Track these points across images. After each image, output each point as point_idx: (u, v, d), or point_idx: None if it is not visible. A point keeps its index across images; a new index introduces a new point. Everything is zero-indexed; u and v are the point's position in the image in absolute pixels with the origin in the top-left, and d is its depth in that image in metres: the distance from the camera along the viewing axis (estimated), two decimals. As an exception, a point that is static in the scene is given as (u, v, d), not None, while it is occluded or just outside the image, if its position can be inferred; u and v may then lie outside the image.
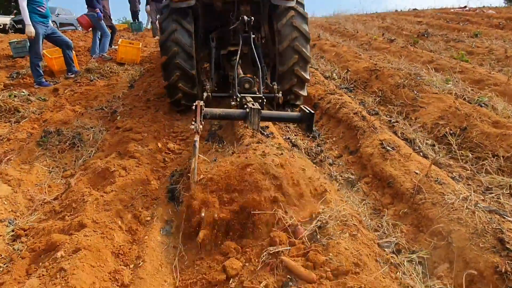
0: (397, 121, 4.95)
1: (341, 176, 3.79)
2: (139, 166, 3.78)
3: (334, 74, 7.46)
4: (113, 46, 10.72)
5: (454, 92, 5.48)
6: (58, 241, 2.64)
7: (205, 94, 4.49)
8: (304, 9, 5.26)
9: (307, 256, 2.32)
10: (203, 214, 2.66)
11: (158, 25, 13.04)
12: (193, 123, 3.06)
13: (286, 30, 4.99)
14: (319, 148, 4.37)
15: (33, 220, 3.22)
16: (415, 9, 19.66)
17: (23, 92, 6.70)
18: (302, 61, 5.06)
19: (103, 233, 2.73)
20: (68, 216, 3.12)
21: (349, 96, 5.97)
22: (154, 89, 6.66)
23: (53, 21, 12.15)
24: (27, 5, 6.67)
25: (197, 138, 3.00)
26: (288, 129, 5.01)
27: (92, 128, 5.00)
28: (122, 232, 2.90)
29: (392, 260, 2.48)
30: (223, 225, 2.68)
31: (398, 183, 3.26)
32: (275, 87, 4.72)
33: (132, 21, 17.05)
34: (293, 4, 5.03)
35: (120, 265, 2.54)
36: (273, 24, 5.21)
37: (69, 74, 7.98)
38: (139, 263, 2.52)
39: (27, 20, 6.67)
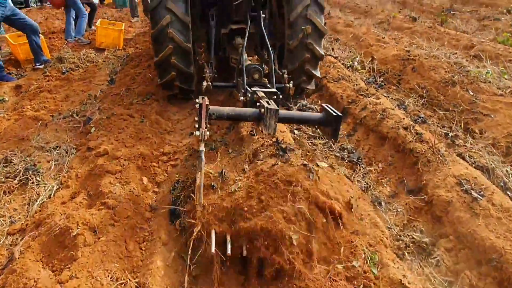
0: (456, 135, 3.79)
1: (404, 234, 2.65)
2: (114, 225, 2.61)
3: (356, 63, 6.19)
4: (93, 27, 9.26)
5: (520, 92, 4.32)
6: None
7: (204, 84, 3.95)
8: None
9: None
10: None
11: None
12: (196, 127, 2.52)
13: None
14: (364, 181, 3.21)
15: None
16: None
17: (-24, 90, 5.42)
18: (316, 32, 4.28)
19: None
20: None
21: (383, 95, 4.76)
22: (138, 85, 5.36)
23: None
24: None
25: (202, 147, 2.43)
26: (314, 145, 3.84)
27: (55, 149, 3.78)
28: None
29: None
30: None
31: (509, 264, 2.14)
32: (286, 76, 4.12)
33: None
34: None
35: None
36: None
37: (37, 64, 6.61)
38: None
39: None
